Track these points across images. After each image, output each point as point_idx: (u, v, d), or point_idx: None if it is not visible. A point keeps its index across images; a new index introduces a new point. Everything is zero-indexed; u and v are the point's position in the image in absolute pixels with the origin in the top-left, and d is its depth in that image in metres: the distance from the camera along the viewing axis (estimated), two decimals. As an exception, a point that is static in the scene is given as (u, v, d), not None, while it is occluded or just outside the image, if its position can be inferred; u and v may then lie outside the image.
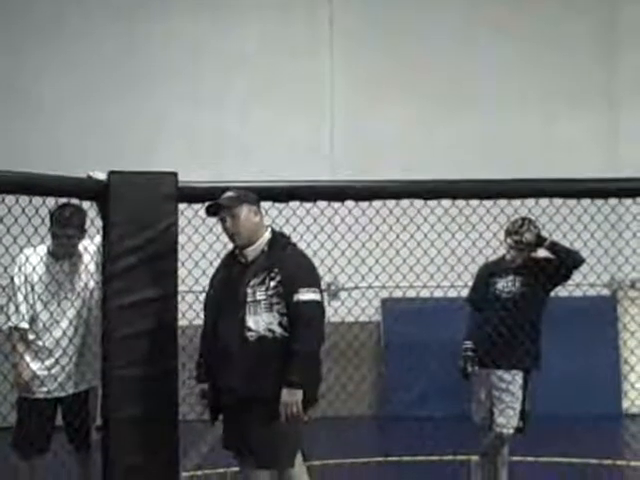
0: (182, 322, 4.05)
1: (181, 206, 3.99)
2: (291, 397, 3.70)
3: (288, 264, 3.81)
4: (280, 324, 3.76)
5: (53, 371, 4.24)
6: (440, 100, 8.71)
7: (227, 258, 4.01)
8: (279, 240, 3.91)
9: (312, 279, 3.83)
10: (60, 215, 4.18)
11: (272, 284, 3.77)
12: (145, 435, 3.80)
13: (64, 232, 4.22)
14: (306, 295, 3.75)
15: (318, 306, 3.80)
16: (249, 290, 3.77)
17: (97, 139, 8.41)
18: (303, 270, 3.84)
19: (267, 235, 3.91)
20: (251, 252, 3.87)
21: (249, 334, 3.75)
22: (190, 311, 4.38)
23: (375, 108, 8.65)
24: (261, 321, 3.75)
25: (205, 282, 4.09)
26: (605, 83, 8.81)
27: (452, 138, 8.60)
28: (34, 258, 4.27)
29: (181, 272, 4.00)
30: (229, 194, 3.88)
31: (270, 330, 3.75)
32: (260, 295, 3.76)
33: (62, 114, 8.49)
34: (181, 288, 4.01)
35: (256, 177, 4.23)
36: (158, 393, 3.83)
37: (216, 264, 4.10)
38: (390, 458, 6.34)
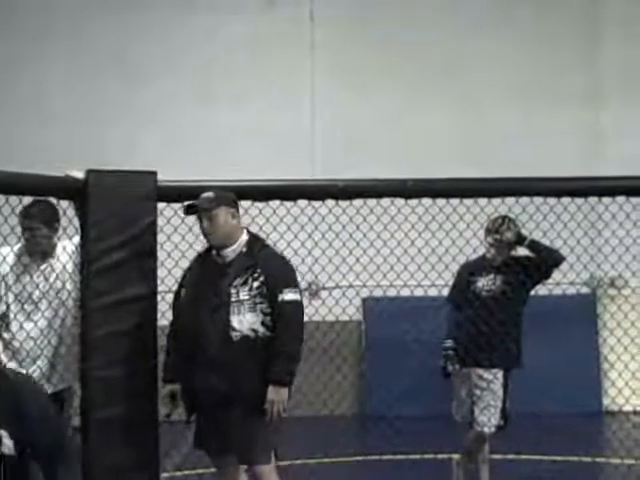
0: (162, 322, 4.02)
1: (160, 205, 3.96)
2: (277, 395, 3.76)
3: (270, 265, 3.85)
4: (263, 323, 3.80)
5: (29, 370, 4.20)
6: (423, 94, 8.70)
7: (200, 258, 4.01)
8: (256, 242, 3.95)
9: (294, 280, 3.90)
10: (25, 209, 4.15)
11: (255, 284, 3.80)
12: (125, 435, 3.77)
13: (27, 225, 4.18)
14: (289, 295, 3.81)
15: (300, 306, 3.87)
16: (232, 290, 3.80)
17: (79, 137, 8.36)
18: (285, 271, 3.90)
19: (244, 237, 3.93)
20: (230, 253, 3.89)
21: (233, 334, 3.77)
22: (170, 311, 4.34)
23: (357, 103, 8.63)
24: (245, 321, 3.78)
25: (185, 282, 4.05)
26: (588, 79, 8.84)
27: (436, 133, 8.59)
28: (11, 258, 4.24)
29: (160, 272, 3.97)
30: (207, 195, 3.88)
31: (253, 330, 3.79)
32: (244, 295, 3.79)
33: (44, 111, 8.45)
34: (160, 288, 3.98)
35: (236, 176, 4.20)
36: (137, 393, 3.80)
37: (196, 264, 4.05)
38: (371, 457, 6.34)
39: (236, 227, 3.91)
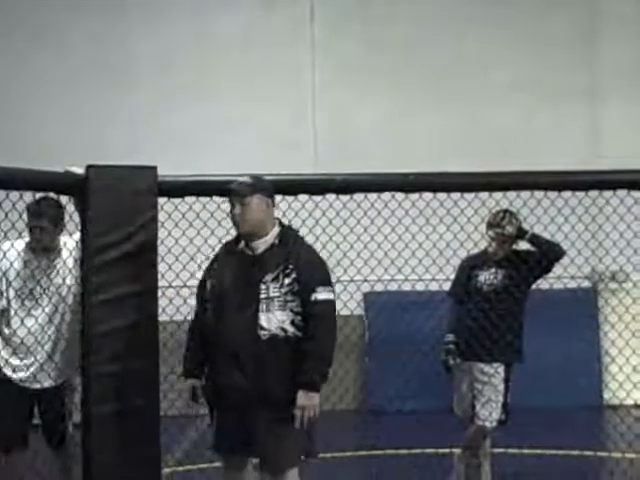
0: (162, 317, 4.01)
1: (161, 200, 3.95)
2: (309, 400, 3.57)
3: (303, 261, 3.65)
4: (293, 323, 3.62)
5: (27, 362, 4.21)
6: (423, 92, 8.71)
7: (228, 248, 3.82)
8: (289, 234, 3.76)
9: (328, 277, 3.70)
10: (34, 207, 4.15)
11: (287, 281, 3.61)
12: (126, 431, 3.76)
13: (37, 224, 4.18)
14: (323, 294, 3.62)
15: (334, 306, 3.68)
16: (262, 286, 3.60)
17: (77, 133, 8.36)
18: (319, 268, 3.70)
19: (276, 228, 3.74)
20: (261, 245, 3.70)
21: (261, 332, 3.59)
22: (170, 306, 4.34)
23: (357, 100, 8.65)
24: (274, 319, 3.60)
25: (185, 277, 4.05)
26: (587, 76, 8.84)
27: (435, 130, 8.60)
28: (12, 253, 4.24)
29: (161, 267, 3.96)
30: (244, 180, 3.72)
31: (282, 329, 3.60)
32: (274, 292, 3.60)
33: (45, 108, 8.45)
34: (161, 283, 3.97)
35: (237, 171, 4.19)
36: (139, 389, 3.79)
37: (196, 259, 4.04)
38: (373, 452, 6.34)
39: (267, 217, 3.70)
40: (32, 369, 4.22)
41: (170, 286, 4.36)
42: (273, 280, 3.61)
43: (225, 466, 3.90)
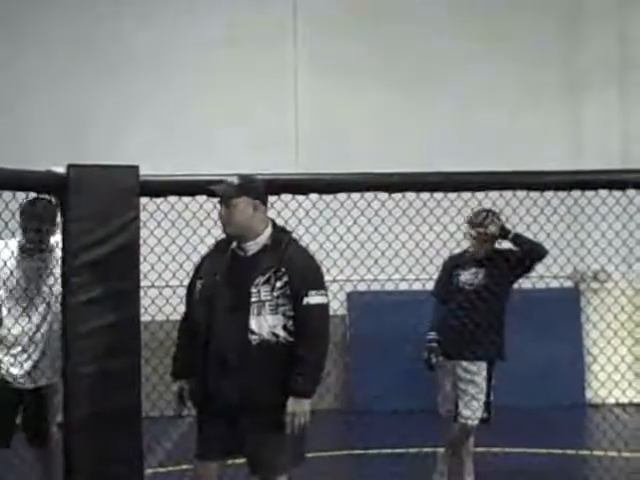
0: (145, 317, 3.99)
1: (143, 200, 3.93)
2: (299, 407, 3.51)
3: (296, 264, 3.57)
4: (285, 327, 3.53)
5: (19, 359, 4.19)
6: (407, 90, 8.70)
7: (219, 247, 3.75)
8: (282, 236, 3.67)
9: (321, 281, 3.63)
10: (31, 209, 4.10)
11: (278, 284, 3.53)
12: (108, 432, 3.74)
13: (35, 226, 4.15)
14: (316, 298, 3.55)
15: (327, 310, 3.61)
16: (253, 289, 3.52)
17: (61, 132, 8.32)
18: (312, 271, 3.63)
19: (269, 229, 3.66)
20: (252, 246, 3.62)
21: (252, 337, 3.51)
22: (152, 306, 4.32)
23: (341, 99, 8.63)
24: (265, 324, 3.51)
25: (167, 277, 4.04)
26: (568, 75, 8.87)
27: (418, 129, 8.59)
28: (5, 253, 4.19)
29: (143, 267, 3.94)
30: (231, 181, 3.64)
31: (274, 334, 3.52)
32: (265, 295, 3.52)
33: (25, 106, 8.40)
34: (143, 283, 3.95)
35: (220, 170, 4.17)
36: (121, 389, 3.77)
37: (178, 259, 4.02)
38: (356, 451, 6.34)
39: (256, 220, 3.61)
40: (26, 370, 4.19)
41: (152, 286, 4.34)
42: (264, 283, 3.53)
43: (200, 469, 3.78)
